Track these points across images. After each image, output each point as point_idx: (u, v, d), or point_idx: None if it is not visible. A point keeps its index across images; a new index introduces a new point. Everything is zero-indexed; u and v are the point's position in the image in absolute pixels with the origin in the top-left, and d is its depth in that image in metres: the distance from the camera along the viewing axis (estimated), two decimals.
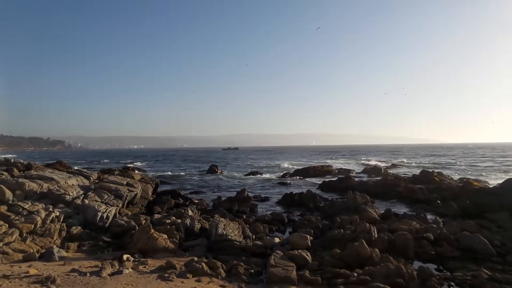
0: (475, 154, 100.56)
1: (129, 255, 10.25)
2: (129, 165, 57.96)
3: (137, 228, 12.94)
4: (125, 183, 18.39)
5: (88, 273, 8.42)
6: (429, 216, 16.78)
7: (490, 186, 23.32)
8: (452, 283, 9.03)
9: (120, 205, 16.17)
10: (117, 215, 14.97)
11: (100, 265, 9.04)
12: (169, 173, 51.04)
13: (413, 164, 62.21)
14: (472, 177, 32.89)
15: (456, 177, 33.26)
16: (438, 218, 16.01)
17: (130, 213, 16.69)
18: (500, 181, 21.96)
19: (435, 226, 13.77)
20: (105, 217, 13.93)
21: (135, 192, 18.04)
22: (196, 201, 22.37)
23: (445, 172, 35.90)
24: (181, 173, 50.18)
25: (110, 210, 14.45)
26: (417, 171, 35.47)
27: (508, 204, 17.47)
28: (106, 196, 15.85)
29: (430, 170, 32.10)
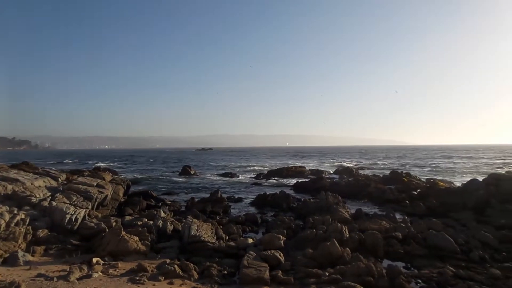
0: (440, 155, 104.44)
1: (98, 258, 10.00)
2: (100, 166, 56.43)
3: (107, 230, 12.63)
4: (95, 184, 17.92)
5: (55, 278, 8.16)
6: (398, 216, 17.30)
7: (455, 187, 24.30)
8: (419, 280, 9.36)
9: (90, 207, 15.74)
10: (87, 217, 14.55)
11: (68, 269, 8.78)
12: (141, 174, 50.13)
13: (383, 165, 63.91)
14: (438, 178, 34.13)
15: (423, 177, 34.39)
16: (406, 217, 16.54)
17: (100, 215, 16.26)
18: (464, 182, 22.93)
19: (403, 225, 14.23)
20: (73, 219, 13.51)
21: (105, 194, 17.60)
22: (169, 202, 22.09)
23: (413, 172, 37.11)
24: (154, 174, 49.39)
25: (79, 212, 14.04)
26: (387, 172, 36.47)
27: (471, 204, 18.28)
28: (75, 198, 15.39)
29: (399, 171, 33.12)
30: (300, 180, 34.48)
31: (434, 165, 62.20)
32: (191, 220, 13.44)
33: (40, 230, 12.33)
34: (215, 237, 12.84)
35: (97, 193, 16.93)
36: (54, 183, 17.80)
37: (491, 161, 73.03)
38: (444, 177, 36.73)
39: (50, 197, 15.10)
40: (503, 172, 33.82)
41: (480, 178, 21.56)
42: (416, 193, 23.60)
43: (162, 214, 16.55)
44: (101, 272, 8.96)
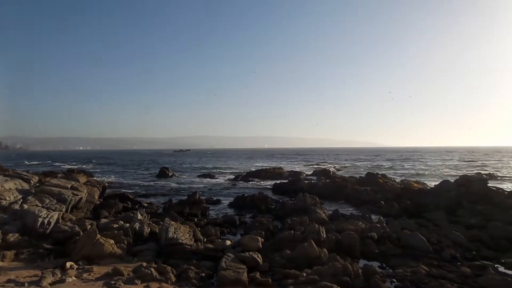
0: (415, 157, 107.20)
1: (72, 263, 9.76)
2: (74, 168, 54.90)
3: (81, 233, 12.35)
4: (69, 186, 17.47)
5: (26, 283, 7.92)
6: (373, 216, 17.63)
7: (428, 188, 25.00)
8: (394, 280, 9.59)
9: (64, 209, 15.34)
10: (60, 220, 14.17)
11: (40, 274, 8.54)
12: (118, 175, 49.20)
13: (360, 167, 65.04)
14: (412, 179, 35.01)
15: (398, 179, 35.19)
16: (382, 218, 16.89)
17: (74, 218, 15.86)
18: (437, 183, 23.62)
19: (379, 225, 14.55)
20: (46, 222, 13.13)
21: (80, 196, 17.20)
22: (146, 205, 21.78)
23: (388, 174, 37.93)
24: (131, 176, 48.58)
25: (52, 215, 13.66)
26: (363, 173, 37.11)
27: (443, 204, 18.86)
28: (48, 201, 14.96)
29: (375, 173, 33.77)
30: (278, 182, 34.68)
31: (409, 167, 63.81)
32: (168, 222, 13.30)
33: (11, 234, 11.93)
34: (193, 239, 12.75)
35: (71, 195, 16.52)
36: (26, 186, 17.25)
37: (464, 162, 75.53)
38: (418, 179, 37.70)
39: (21, 200, 14.63)
40: (474, 173, 35.10)
41: (452, 180, 22.27)
42: (391, 194, 24.12)
43: (139, 217, 16.27)
44: (75, 276, 8.76)
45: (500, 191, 19.63)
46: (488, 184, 19.96)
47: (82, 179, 20.69)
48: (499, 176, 41.86)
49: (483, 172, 44.84)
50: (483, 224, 14.96)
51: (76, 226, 13.56)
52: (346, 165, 70.78)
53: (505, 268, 10.61)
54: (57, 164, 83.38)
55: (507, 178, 40.51)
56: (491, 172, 44.84)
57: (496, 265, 10.81)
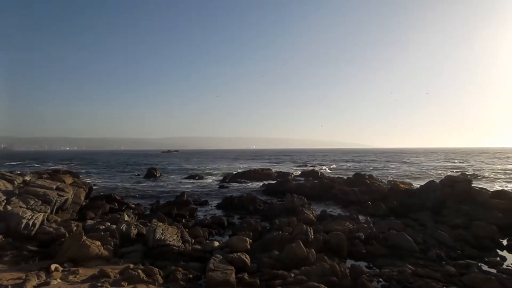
0: (403, 158, 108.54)
1: (57, 265, 9.59)
2: (60, 168, 54.04)
3: (67, 235, 12.17)
4: (54, 187, 17.19)
5: (9, 286, 7.77)
6: (361, 217, 17.80)
7: (414, 188, 25.34)
8: (381, 279, 9.68)
9: (49, 211, 15.09)
10: (45, 222, 13.94)
11: (24, 277, 8.37)
12: (105, 176, 48.61)
13: (348, 167, 65.57)
14: (399, 180, 35.44)
15: (385, 179, 35.59)
16: (369, 218, 17.05)
17: (59, 219, 15.62)
18: (422, 183, 23.96)
19: (366, 226, 14.69)
20: (30, 224, 12.90)
21: (65, 197, 16.94)
22: (133, 206, 21.56)
23: (375, 174, 38.31)
24: (118, 177, 48.04)
25: (36, 217, 13.42)
26: (351, 174, 37.42)
27: (428, 204, 19.15)
28: (32, 202, 14.70)
29: (363, 173, 34.09)
30: (266, 183, 34.74)
31: (396, 167, 64.58)
32: (156, 223, 13.19)
33: None
34: (181, 241, 12.67)
35: (57, 196, 16.27)
36: (9, 186, 16.89)
37: (449, 163, 76.77)
38: (404, 179, 38.18)
39: (5, 201, 14.33)
40: (459, 174, 35.68)
41: (437, 180, 22.63)
42: (378, 194, 24.37)
43: (126, 218, 16.12)
44: (60, 279, 8.62)
45: (483, 191, 20.04)
46: (472, 184, 20.35)
47: (68, 180, 20.38)
48: (483, 176, 42.67)
49: (467, 172, 45.73)
50: (468, 224, 15.24)
51: (61, 227, 13.36)
52: (334, 166, 71.25)
53: (488, 267, 10.81)
54: (42, 164, 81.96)
55: (490, 178, 41.31)
56: (475, 173, 45.69)
57: (480, 264, 11.01)
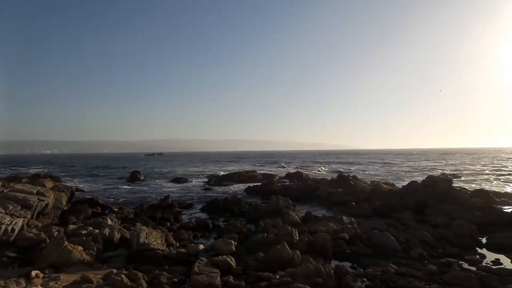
0: (386, 158, 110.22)
1: (38, 271, 9.39)
2: (40, 172, 52.78)
3: (48, 240, 11.89)
4: (35, 191, 16.78)
5: None
6: (345, 217, 18.00)
7: (397, 188, 25.76)
8: (365, 279, 9.81)
9: (29, 216, 14.71)
10: (25, 227, 13.58)
11: (3, 284, 8.16)
12: (87, 180, 47.77)
13: (332, 169, 66.16)
14: (382, 180, 35.96)
15: (369, 180, 36.04)
16: (353, 219, 17.26)
17: (40, 224, 15.24)
18: (405, 184, 24.39)
19: (350, 226, 14.86)
20: (9, 230, 12.55)
21: (46, 202, 16.56)
22: (116, 209, 21.26)
23: (359, 175, 38.81)
24: (101, 180, 47.27)
25: (16, 222, 13.07)
26: (335, 175, 37.77)
27: (410, 204, 19.50)
28: (11, 207, 14.30)
29: (346, 174, 34.47)
30: (251, 185, 34.73)
31: (378, 168, 65.53)
32: (139, 227, 13.04)
33: None
34: (165, 244, 12.54)
35: (37, 201, 15.89)
36: None
37: (430, 163, 78.31)
38: (387, 180, 38.76)
39: None
40: (439, 174, 36.43)
41: (419, 180, 23.05)
42: (361, 195, 24.67)
43: (109, 222, 15.86)
44: (41, 285, 8.43)
45: (463, 190, 20.54)
46: (453, 184, 20.82)
47: (49, 184, 19.94)
48: (461, 176, 43.68)
49: (448, 172, 46.76)
50: (448, 223, 15.57)
51: (42, 233, 13.04)
52: (319, 167, 71.76)
53: (468, 265, 11.10)
54: (22, 168, 79.94)
55: (470, 178, 42.33)
56: (454, 172, 46.75)
57: (460, 262, 11.29)
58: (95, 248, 11.63)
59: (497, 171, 51.47)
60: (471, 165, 70.23)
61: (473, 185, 33.50)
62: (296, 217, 17.10)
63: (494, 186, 33.55)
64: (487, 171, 52.34)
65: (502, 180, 40.09)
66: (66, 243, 10.79)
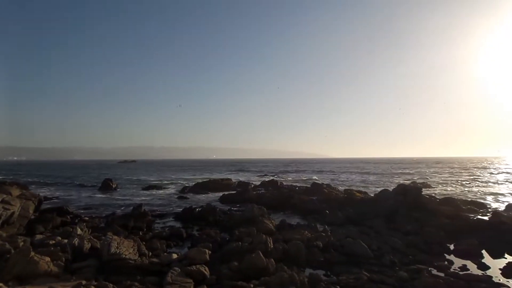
0: (359, 167, 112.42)
1: (2, 284, 8.94)
2: (6, 180, 50.53)
3: (13, 251, 11.38)
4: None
5: None
6: (319, 225, 18.17)
7: (369, 197, 26.28)
8: (338, 286, 9.89)
9: None
10: None
11: None
12: (56, 188, 46.15)
13: (306, 177, 66.81)
14: (355, 188, 36.59)
15: (342, 188, 36.60)
16: (326, 227, 17.47)
17: (5, 234, 14.59)
18: (377, 192, 24.92)
19: (324, 234, 15.03)
20: None
21: (12, 210, 15.90)
22: (87, 219, 20.64)
23: (333, 183, 39.37)
24: (71, 188, 45.81)
25: None
26: (309, 184, 38.13)
27: (383, 212, 19.92)
28: None
29: (320, 183, 34.90)
30: (226, 193, 34.54)
31: (352, 177, 66.73)
32: (111, 236, 12.68)
33: None
34: (137, 254, 12.25)
35: (2, 209, 15.26)
36: None
37: (402, 171, 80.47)
38: (360, 188, 39.49)
39: None
40: (409, 182, 37.45)
41: (391, 188, 23.62)
42: (335, 203, 25.00)
43: (79, 231, 15.35)
44: None
45: (432, 199, 21.20)
46: (423, 193, 21.44)
47: (15, 192, 19.12)
48: (430, 185, 45.08)
49: (418, 180, 48.16)
50: (418, 230, 16.01)
51: (6, 243, 12.47)
52: (293, 175, 72.34)
53: (437, 271, 11.41)
54: None
55: (439, 186, 43.75)
56: (425, 181, 48.18)
57: (430, 268, 11.58)
58: (63, 259, 11.23)
59: (464, 180, 53.45)
60: (440, 174, 72.61)
61: (442, 193, 34.62)
62: (270, 225, 17.13)
63: (461, 194, 34.78)
64: (456, 180, 54.30)
65: (468, 188, 41.69)
66: (32, 253, 10.34)
